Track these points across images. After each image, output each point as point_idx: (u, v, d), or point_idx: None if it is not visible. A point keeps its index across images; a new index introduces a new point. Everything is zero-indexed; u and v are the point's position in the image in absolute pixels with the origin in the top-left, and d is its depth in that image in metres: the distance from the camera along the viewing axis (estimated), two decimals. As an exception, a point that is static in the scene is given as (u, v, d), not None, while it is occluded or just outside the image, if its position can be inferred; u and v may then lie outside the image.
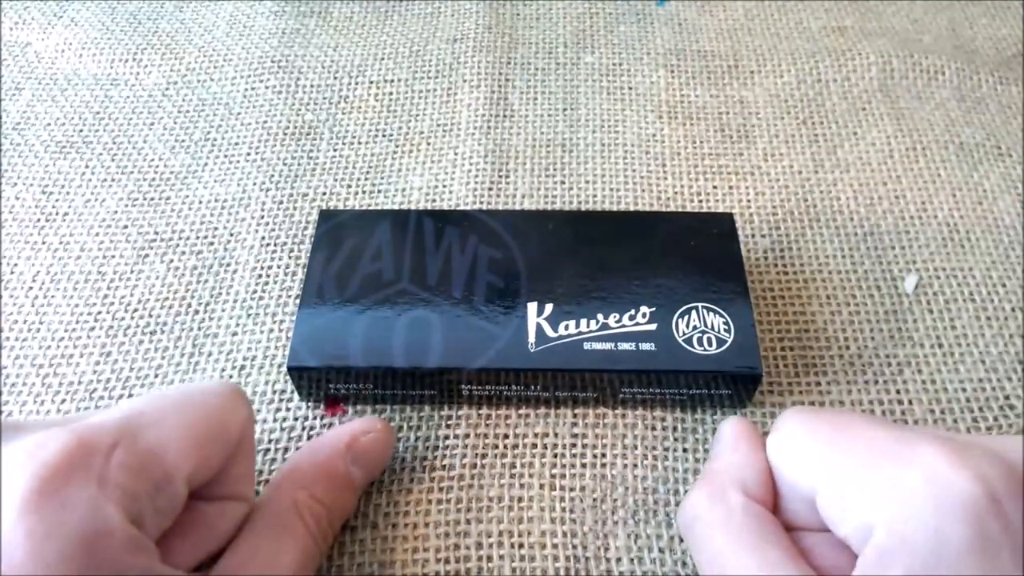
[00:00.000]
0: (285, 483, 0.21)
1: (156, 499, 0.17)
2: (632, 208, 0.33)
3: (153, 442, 0.17)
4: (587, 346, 0.25)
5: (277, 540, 0.20)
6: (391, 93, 0.37)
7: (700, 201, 0.33)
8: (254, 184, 0.34)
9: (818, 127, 0.36)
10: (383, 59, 0.39)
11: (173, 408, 0.19)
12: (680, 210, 0.33)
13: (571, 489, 0.25)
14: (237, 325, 0.29)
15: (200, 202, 0.33)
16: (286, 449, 0.26)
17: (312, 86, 0.38)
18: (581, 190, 0.33)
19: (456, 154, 0.35)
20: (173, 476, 0.18)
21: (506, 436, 0.26)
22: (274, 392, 0.27)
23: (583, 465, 0.25)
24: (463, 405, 0.27)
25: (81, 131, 0.36)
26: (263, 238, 0.32)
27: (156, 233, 0.32)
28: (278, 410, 0.27)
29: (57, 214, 0.33)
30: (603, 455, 0.26)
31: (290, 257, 0.31)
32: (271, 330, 0.29)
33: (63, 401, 0.27)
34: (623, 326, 0.25)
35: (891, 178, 0.34)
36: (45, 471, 0.16)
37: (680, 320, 0.25)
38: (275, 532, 0.20)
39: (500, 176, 0.34)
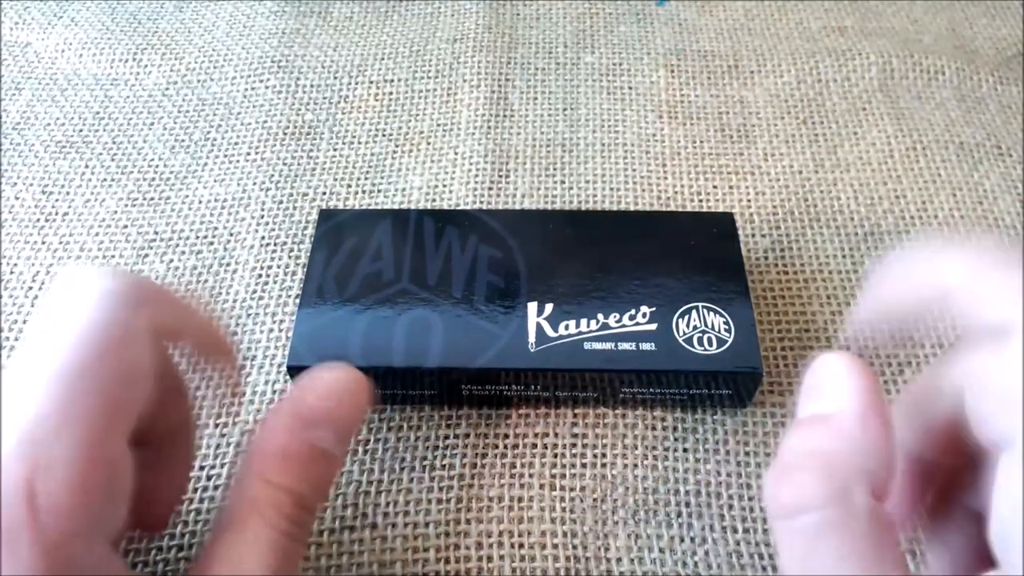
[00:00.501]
0: (243, 474, 0.19)
1: (107, 506, 0.15)
2: (632, 208, 0.33)
3: (70, 448, 0.15)
4: (587, 346, 0.25)
5: (238, 542, 0.18)
6: (391, 93, 0.37)
7: (700, 201, 0.33)
8: (254, 184, 0.34)
9: (818, 127, 0.36)
10: (383, 59, 0.39)
11: (54, 385, 0.15)
12: (680, 210, 0.33)
13: (571, 489, 0.25)
14: (237, 325, 0.29)
15: (200, 202, 0.33)
16: (286, 449, 0.26)
17: (312, 86, 0.38)
18: (581, 190, 0.33)
19: (456, 154, 0.35)
20: (120, 465, 0.15)
21: (506, 436, 0.26)
22: (274, 392, 0.27)
23: (583, 465, 0.25)
24: (463, 405, 0.27)
25: (81, 131, 0.36)
26: (263, 238, 0.32)
27: (156, 233, 0.32)
28: (278, 410, 0.27)
29: (57, 214, 0.33)
30: (603, 455, 0.26)
31: (290, 257, 0.31)
32: (271, 330, 0.29)
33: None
34: (623, 326, 0.25)
35: (891, 178, 0.34)
36: None
37: (680, 320, 0.25)
38: (236, 532, 0.18)
39: (500, 176, 0.34)
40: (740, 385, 0.25)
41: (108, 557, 0.16)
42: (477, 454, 0.26)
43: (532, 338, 0.25)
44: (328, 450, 0.19)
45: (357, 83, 0.38)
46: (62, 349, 0.15)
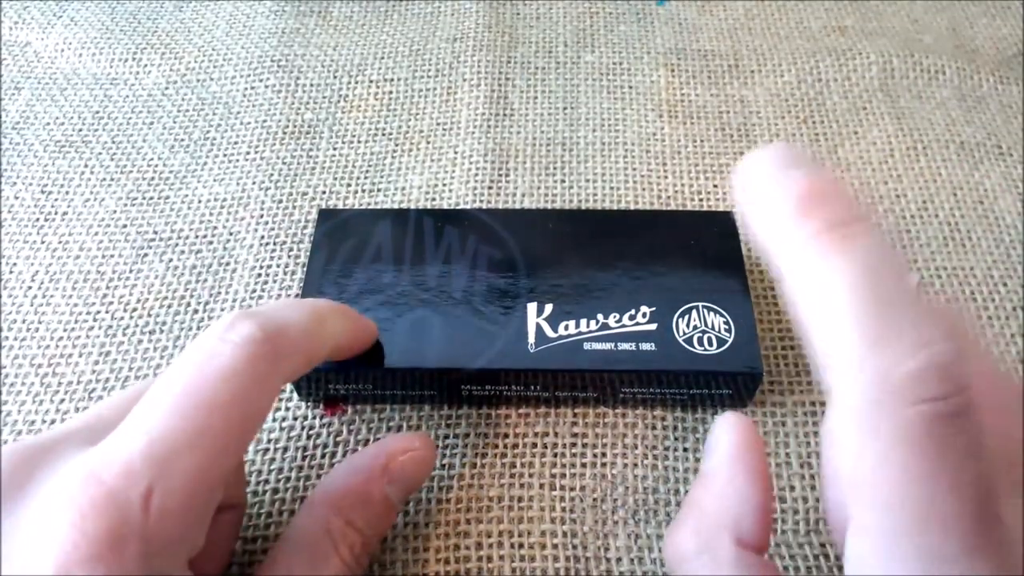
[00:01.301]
0: (319, 507, 0.20)
1: (199, 528, 0.16)
2: (632, 207, 0.33)
3: (189, 468, 0.16)
4: (587, 346, 0.25)
5: (312, 568, 0.19)
6: (391, 92, 0.37)
7: (700, 200, 0.33)
8: (253, 183, 0.33)
9: (818, 126, 0.36)
10: (383, 58, 0.39)
11: (192, 410, 0.16)
12: (681, 209, 0.33)
13: (571, 489, 0.25)
14: (236, 325, 0.29)
15: (199, 201, 0.33)
16: (285, 449, 0.26)
17: (312, 85, 0.38)
18: (581, 189, 0.33)
19: (456, 153, 0.35)
20: (216, 496, 0.17)
21: (506, 436, 0.26)
22: (273, 392, 0.27)
23: (583, 465, 0.25)
24: (463, 405, 0.27)
25: (80, 130, 0.36)
26: (262, 237, 0.32)
27: (155, 232, 0.32)
28: (277, 410, 0.27)
29: (56, 213, 0.33)
30: (603, 455, 0.26)
31: (289, 256, 0.31)
32: (270, 330, 0.29)
33: (62, 401, 0.27)
34: (623, 326, 0.25)
35: (891, 177, 0.34)
36: (77, 556, 0.14)
37: (680, 320, 0.25)
38: (310, 560, 0.19)
39: (500, 175, 0.34)
40: (740, 385, 0.25)
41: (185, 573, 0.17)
42: (477, 454, 0.26)
43: (532, 338, 0.25)
44: (393, 506, 0.22)
45: (357, 82, 0.38)
46: (206, 384, 0.17)
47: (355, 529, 0.20)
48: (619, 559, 0.23)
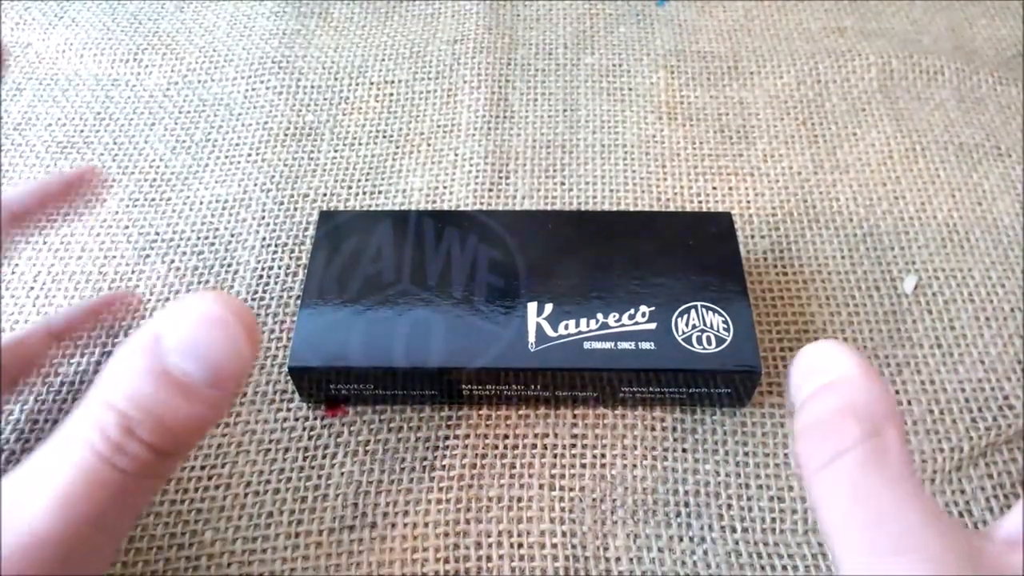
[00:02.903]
0: (87, 394, 0.16)
1: None
2: (632, 208, 0.33)
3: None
4: (587, 346, 0.25)
5: (48, 464, 0.15)
6: (391, 94, 0.38)
7: (700, 202, 0.33)
8: (255, 185, 0.34)
9: (818, 128, 0.36)
10: (383, 60, 0.39)
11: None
12: (680, 210, 0.33)
13: (570, 489, 0.25)
14: (238, 325, 0.29)
15: (201, 202, 0.33)
16: (286, 449, 0.26)
17: (313, 87, 0.38)
18: (581, 191, 0.33)
19: (456, 155, 0.35)
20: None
21: (506, 436, 0.26)
22: (275, 392, 0.27)
23: (583, 465, 0.25)
24: (463, 405, 0.27)
25: (82, 131, 0.36)
26: (264, 239, 0.32)
27: (157, 234, 0.32)
28: (279, 410, 0.27)
29: (58, 214, 0.33)
30: (602, 455, 0.26)
31: (291, 258, 0.31)
32: (272, 330, 0.29)
33: (64, 401, 0.27)
34: (623, 325, 0.25)
35: (890, 179, 0.34)
36: None
37: (680, 319, 0.25)
38: (50, 454, 0.15)
39: (500, 177, 0.34)
40: (739, 384, 0.25)
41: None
42: (477, 454, 0.26)
43: (532, 338, 0.25)
44: (190, 384, 0.16)
45: (358, 84, 0.38)
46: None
47: (114, 410, 0.15)
48: (618, 559, 0.23)
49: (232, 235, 0.32)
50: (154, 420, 0.16)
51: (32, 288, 0.30)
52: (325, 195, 0.33)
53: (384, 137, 0.36)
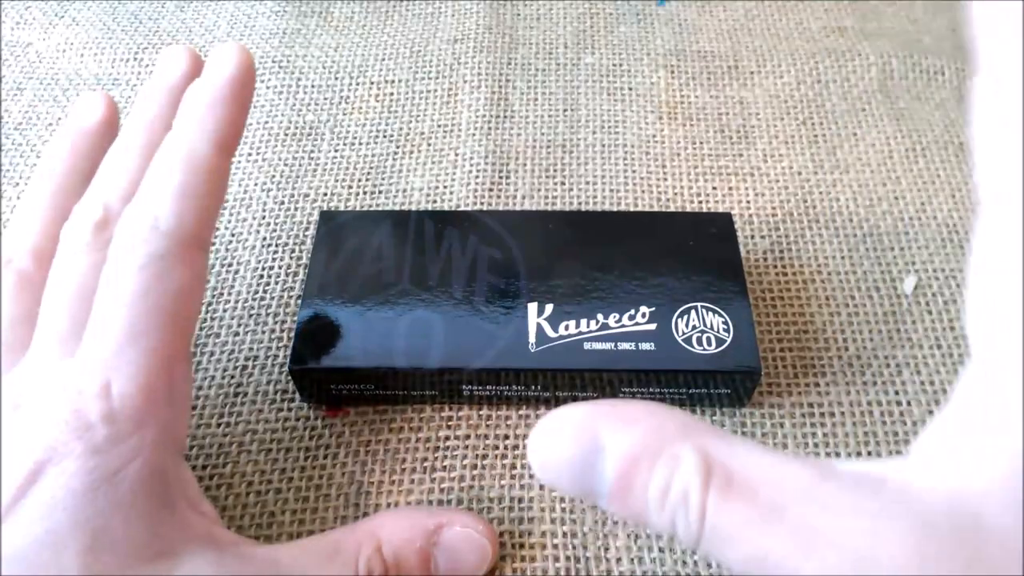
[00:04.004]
0: (359, 526, 0.21)
1: (170, 410, 0.19)
2: (632, 208, 0.33)
3: (137, 356, 0.18)
4: (587, 346, 0.25)
5: (327, 563, 0.20)
6: (392, 94, 0.38)
7: (700, 202, 0.33)
8: (255, 184, 0.34)
9: (818, 128, 0.36)
10: (384, 59, 0.39)
11: (130, 309, 0.18)
12: (680, 211, 0.33)
13: (571, 489, 0.25)
14: (239, 325, 0.29)
15: (201, 202, 0.33)
16: (288, 449, 0.26)
17: (313, 86, 0.38)
18: (581, 191, 0.33)
19: (456, 155, 0.35)
20: (177, 371, 0.19)
21: (506, 437, 0.26)
22: (276, 392, 0.27)
23: (583, 465, 0.25)
24: (463, 406, 0.27)
25: (83, 131, 0.36)
26: (264, 238, 0.32)
27: (158, 233, 0.32)
28: (280, 410, 0.27)
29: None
30: (603, 455, 0.26)
31: (291, 257, 0.31)
32: (273, 330, 0.29)
33: (65, 401, 0.27)
34: (623, 326, 0.25)
35: (890, 179, 0.34)
36: (52, 442, 0.17)
37: (679, 320, 0.25)
38: (331, 556, 0.20)
39: (500, 177, 0.34)
40: (739, 384, 0.25)
41: (177, 461, 0.20)
42: (477, 455, 0.26)
43: (532, 338, 0.25)
44: (433, 566, 0.21)
45: (358, 84, 0.38)
46: (125, 281, 0.18)
47: (382, 560, 0.20)
48: (619, 559, 0.24)
49: (232, 235, 0.32)
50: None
51: (33, 288, 0.30)
52: (325, 195, 0.33)
53: (384, 137, 0.36)
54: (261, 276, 0.30)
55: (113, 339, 0.18)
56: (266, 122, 0.36)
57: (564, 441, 0.15)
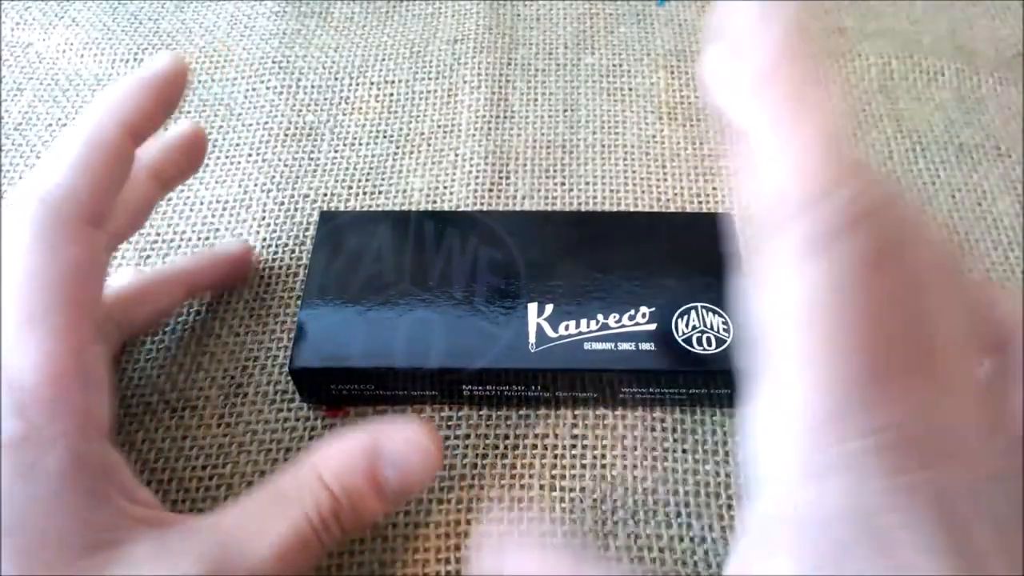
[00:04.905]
0: (304, 462, 0.20)
1: (86, 394, 0.18)
2: (632, 209, 0.33)
3: (41, 343, 0.18)
4: (587, 346, 0.25)
5: (271, 515, 0.18)
6: (392, 94, 0.38)
7: (700, 202, 0.33)
8: (255, 185, 0.34)
9: (818, 128, 0.36)
10: (384, 60, 0.39)
11: (21, 291, 0.18)
12: (680, 211, 0.33)
13: (571, 490, 0.25)
14: (240, 325, 0.29)
15: (201, 203, 0.33)
16: (288, 449, 0.26)
17: (313, 87, 0.38)
18: (581, 191, 0.33)
19: (456, 155, 0.35)
20: (87, 356, 0.19)
21: (506, 437, 0.26)
22: (276, 392, 0.27)
23: (583, 466, 0.25)
24: (463, 406, 0.27)
25: (83, 132, 0.36)
26: (264, 239, 0.32)
27: (158, 234, 0.32)
28: (280, 410, 0.27)
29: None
30: (603, 456, 0.26)
31: (291, 258, 0.31)
32: (273, 331, 0.29)
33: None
34: (623, 326, 0.25)
35: (891, 179, 0.34)
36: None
37: (680, 320, 0.25)
38: (273, 506, 0.19)
39: (500, 177, 0.34)
40: (739, 385, 0.25)
41: (102, 448, 0.19)
42: (477, 455, 0.26)
43: (532, 338, 0.25)
44: (383, 491, 0.20)
45: (358, 84, 0.38)
46: (15, 261, 0.18)
47: (329, 492, 0.19)
48: (619, 559, 0.24)
49: (232, 235, 0.32)
50: (354, 511, 0.19)
51: (33, 288, 0.30)
52: (325, 195, 0.33)
53: (384, 137, 0.36)
54: (261, 277, 0.30)
55: (11, 324, 0.17)
56: (266, 122, 0.36)
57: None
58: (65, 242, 0.18)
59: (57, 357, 0.17)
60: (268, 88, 0.38)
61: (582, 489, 0.25)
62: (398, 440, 0.20)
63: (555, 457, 0.26)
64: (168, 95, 0.22)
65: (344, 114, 0.37)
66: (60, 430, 0.17)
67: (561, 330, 0.25)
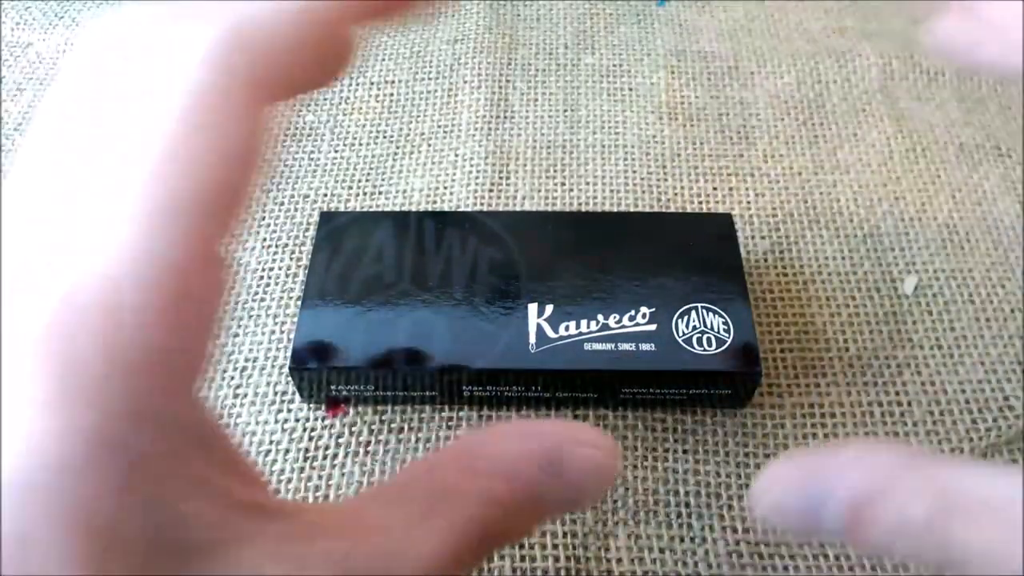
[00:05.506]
0: (447, 460, 0.15)
1: (197, 342, 0.12)
2: (632, 209, 0.33)
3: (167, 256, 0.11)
4: (587, 347, 0.25)
5: (428, 515, 0.14)
6: (392, 94, 0.37)
7: (700, 202, 0.33)
8: (255, 185, 0.34)
9: (818, 128, 0.36)
10: (383, 60, 0.39)
11: (149, 177, 0.11)
12: (680, 211, 0.33)
13: (571, 490, 0.25)
14: (239, 326, 0.29)
15: (201, 203, 0.33)
16: (287, 451, 0.26)
17: (313, 87, 0.38)
18: (581, 191, 0.33)
19: (457, 155, 0.35)
20: (214, 288, 0.12)
21: (507, 437, 0.26)
22: (275, 393, 0.27)
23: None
24: (464, 406, 0.27)
25: (82, 132, 0.36)
26: (264, 239, 0.32)
27: (157, 234, 0.32)
28: (279, 411, 0.27)
29: (59, 215, 0.33)
30: (603, 456, 0.26)
31: (291, 259, 0.31)
32: (272, 331, 0.29)
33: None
34: (623, 327, 0.25)
35: (891, 179, 0.34)
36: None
37: (680, 320, 0.25)
38: (429, 504, 0.14)
39: (500, 177, 0.34)
40: (739, 385, 0.25)
41: (196, 402, 0.13)
42: (478, 455, 0.26)
43: (532, 339, 0.25)
44: (544, 498, 0.15)
45: (358, 84, 0.38)
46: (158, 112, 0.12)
47: (500, 494, 0.15)
48: (619, 559, 0.24)
49: (232, 236, 0.32)
50: (524, 517, 0.16)
51: (33, 289, 0.30)
52: (325, 195, 0.33)
53: (384, 137, 0.36)
54: (261, 277, 0.30)
55: (124, 210, 0.11)
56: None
57: (792, 490, 0.15)
58: (243, 117, 0.12)
59: (182, 260, 0.12)
60: (268, 88, 0.38)
61: (582, 489, 0.25)
62: (581, 456, 0.16)
63: (555, 457, 0.26)
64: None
65: (344, 114, 0.37)
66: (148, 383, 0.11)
67: (561, 330, 0.25)
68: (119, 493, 0.11)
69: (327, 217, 0.29)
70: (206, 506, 0.12)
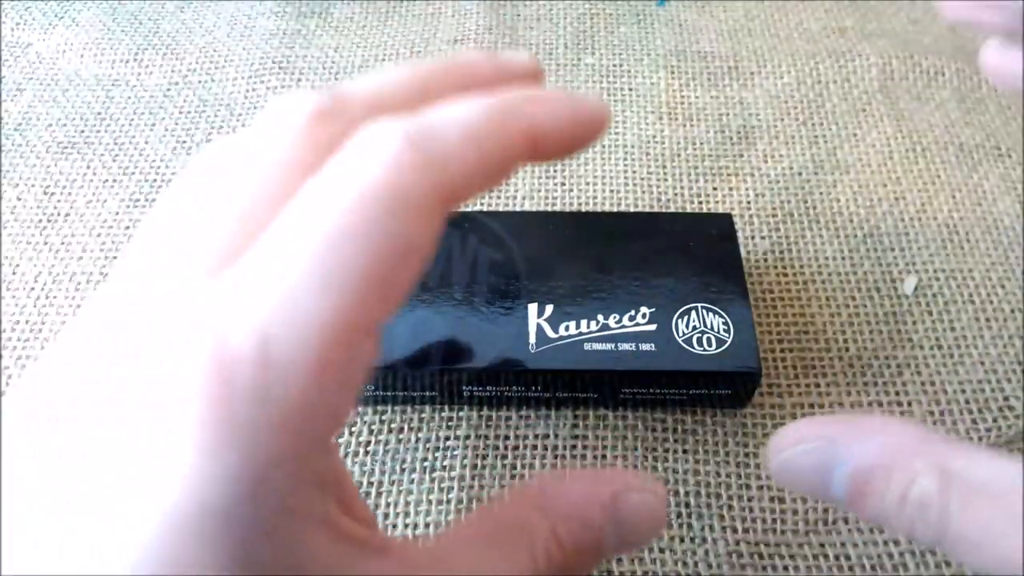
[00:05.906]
0: (524, 501, 0.16)
1: (339, 394, 0.13)
2: (632, 209, 0.33)
3: (319, 314, 0.12)
4: (587, 347, 0.25)
5: (494, 553, 0.15)
6: (392, 94, 0.37)
7: (700, 202, 0.33)
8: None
9: (818, 128, 0.36)
10: (384, 60, 0.39)
11: (327, 246, 0.12)
12: (680, 211, 0.33)
13: (571, 490, 0.25)
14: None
15: (201, 203, 0.33)
16: (287, 450, 0.26)
17: (313, 87, 0.38)
18: (581, 191, 0.33)
19: (457, 155, 0.35)
20: (361, 354, 0.13)
21: (507, 437, 0.26)
22: (275, 393, 0.27)
23: (583, 466, 0.25)
24: (464, 406, 0.27)
25: (82, 132, 0.36)
26: (264, 239, 0.32)
27: (157, 234, 0.32)
28: (279, 411, 0.27)
29: (59, 215, 0.33)
30: (603, 456, 0.26)
31: (291, 258, 0.31)
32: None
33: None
34: (623, 327, 0.25)
35: (891, 179, 0.34)
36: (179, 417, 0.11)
37: (680, 320, 0.25)
38: (496, 542, 0.16)
39: (501, 177, 0.34)
40: (739, 385, 0.25)
41: (331, 454, 0.14)
42: (477, 455, 0.26)
43: (532, 339, 0.25)
44: (604, 545, 0.17)
45: (358, 84, 0.38)
46: (331, 207, 0.12)
47: (557, 541, 0.16)
48: (619, 559, 0.24)
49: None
50: (577, 561, 0.17)
51: (33, 288, 0.30)
52: (325, 195, 0.33)
53: (384, 137, 0.36)
54: (261, 277, 0.30)
55: (295, 272, 0.12)
56: (266, 122, 0.36)
57: (805, 449, 0.16)
58: (419, 216, 0.13)
59: (333, 337, 0.12)
60: (268, 88, 0.38)
61: (582, 489, 0.25)
62: (636, 501, 0.17)
63: (555, 457, 0.26)
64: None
65: (344, 114, 0.37)
66: (302, 435, 0.12)
67: (561, 330, 0.25)
68: (268, 534, 0.12)
69: (327, 217, 0.29)
70: (327, 544, 0.13)
